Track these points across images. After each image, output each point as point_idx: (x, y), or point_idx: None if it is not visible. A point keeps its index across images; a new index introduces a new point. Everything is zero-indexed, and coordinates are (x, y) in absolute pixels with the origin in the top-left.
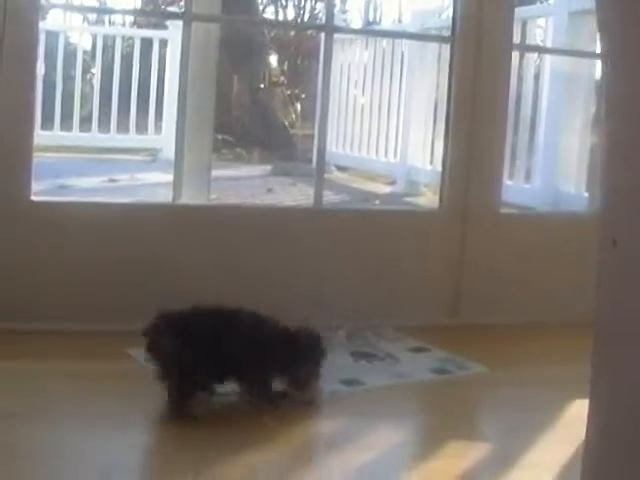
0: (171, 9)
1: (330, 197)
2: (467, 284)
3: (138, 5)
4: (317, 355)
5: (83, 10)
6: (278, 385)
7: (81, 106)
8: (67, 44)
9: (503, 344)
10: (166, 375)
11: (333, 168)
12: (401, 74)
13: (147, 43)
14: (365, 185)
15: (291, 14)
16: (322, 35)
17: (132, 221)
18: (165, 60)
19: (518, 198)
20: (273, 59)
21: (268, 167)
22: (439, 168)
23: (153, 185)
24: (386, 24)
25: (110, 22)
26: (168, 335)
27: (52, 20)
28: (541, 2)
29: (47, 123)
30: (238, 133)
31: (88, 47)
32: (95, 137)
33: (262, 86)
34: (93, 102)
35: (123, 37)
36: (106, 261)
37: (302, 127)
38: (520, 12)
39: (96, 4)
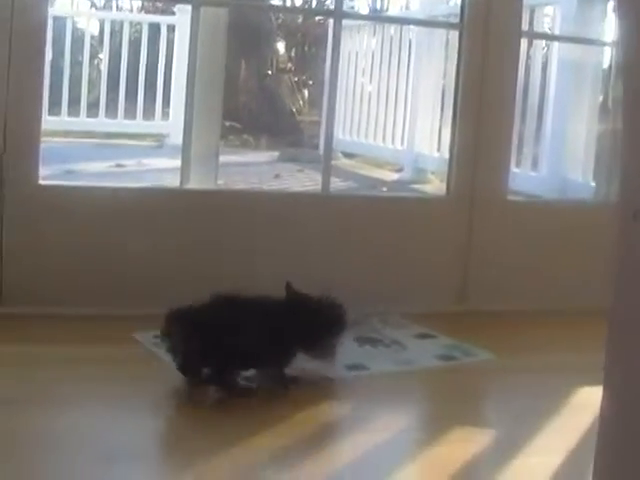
0: None
1: (337, 184)
2: (474, 271)
3: None
4: (337, 327)
5: None
6: (293, 367)
7: (88, 91)
8: (75, 29)
9: (510, 331)
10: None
11: (340, 155)
12: (409, 61)
13: (155, 29)
14: (372, 172)
15: (299, 0)
16: (330, 21)
17: (139, 206)
18: (173, 46)
19: (525, 186)
20: (281, 45)
21: (275, 153)
22: (446, 155)
23: (160, 171)
24: (393, 11)
25: (118, 7)
26: (181, 323)
27: (60, 6)
28: None
29: (55, 108)
30: (245, 119)
31: (96, 32)
32: (102, 122)
33: (269, 72)
34: (100, 87)
35: (131, 22)
36: (113, 245)
37: (309, 114)
38: None
39: None
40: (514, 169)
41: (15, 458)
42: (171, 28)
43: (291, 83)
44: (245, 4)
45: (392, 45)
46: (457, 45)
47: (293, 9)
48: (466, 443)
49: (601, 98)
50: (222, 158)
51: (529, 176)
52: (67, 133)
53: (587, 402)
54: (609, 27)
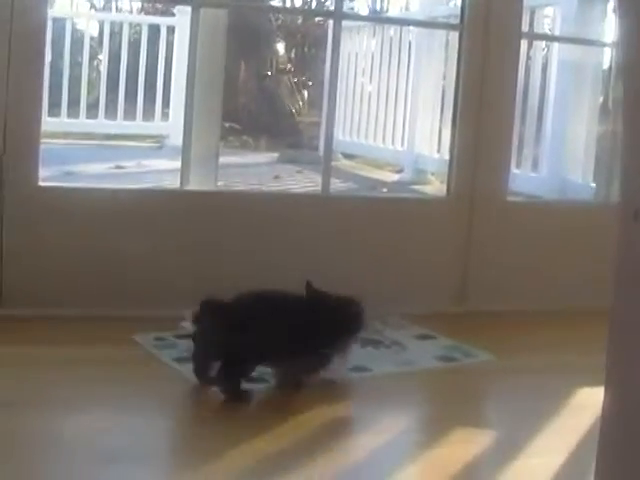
0: None
1: (337, 185)
2: (474, 272)
3: None
4: (355, 326)
5: None
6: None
7: (88, 93)
8: (74, 31)
9: (510, 332)
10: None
11: (340, 156)
12: (408, 62)
13: (154, 30)
14: (372, 173)
15: (299, 1)
16: (330, 22)
17: (139, 207)
18: (172, 47)
19: (525, 186)
20: (280, 46)
21: (275, 154)
22: (446, 156)
23: (160, 172)
24: (393, 12)
25: (117, 9)
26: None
27: (59, 7)
28: None
29: (54, 109)
30: (245, 120)
31: (95, 34)
32: (102, 124)
33: (269, 73)
34: (100, 89)
35: (130, 24)
36: (112, 247)
37: (309, 115)
38: (528, 0)
39: None
40: (514, 170)
41: (14, 459)
42: (171, 29)
43: (291, 84)
44: (245, 5)
45: (392, 46)
46: (457, 46)
47: (293, 10)
48: (467, 444)
49: (601, 99)
50: (222, 159)
51: (529, 177)
52: (67, 134)
53: (588, 403)
54: (609, 28)
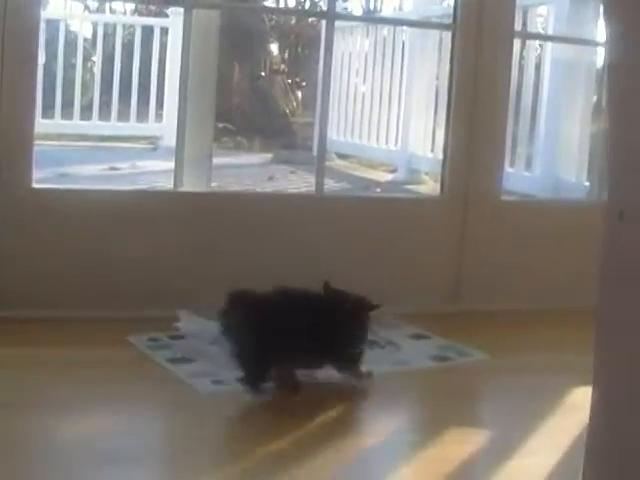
0: None
1: (331, 185)
2: (468, 271)
3: None
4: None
5: None
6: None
7: (82, 94)
8: (68, 32)
9: (504, 331)
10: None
11: (334, 156)
12: (402, 62)
13: (148, 31)
14: (366, 173)
15: (292, 2)
16: (323, 22)
17: (133, 208)
18: (166, 48)
19: (519, 186)
20: (274, 47)
21: (269, 155)
22: (440, 156)
23: (154, 173)
24: (387, 12)
25: (111, 10)
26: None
27: (53, 8)
28: None
29: (48, 111)
30: (239, 121)
31: (89, 35)
32: (96, 125)
33: (263, 74)
34: (94, 90)
35: (124, 25)
36: (107, 249)
37: (303, 115)
38: None
39: None
40: (508, 169)
41: (12, 460)
42: (164, 31)
43: (284, 84)
44: (238, 6)
45: (385, 46)
46: (450, 45)
47: (286, 10)
48: (461, 444)
49: (595, 98)
50: (216, 160)
51: (523, 176)
52: (61, 136)
53: (582, 402)
54: (602, 27)
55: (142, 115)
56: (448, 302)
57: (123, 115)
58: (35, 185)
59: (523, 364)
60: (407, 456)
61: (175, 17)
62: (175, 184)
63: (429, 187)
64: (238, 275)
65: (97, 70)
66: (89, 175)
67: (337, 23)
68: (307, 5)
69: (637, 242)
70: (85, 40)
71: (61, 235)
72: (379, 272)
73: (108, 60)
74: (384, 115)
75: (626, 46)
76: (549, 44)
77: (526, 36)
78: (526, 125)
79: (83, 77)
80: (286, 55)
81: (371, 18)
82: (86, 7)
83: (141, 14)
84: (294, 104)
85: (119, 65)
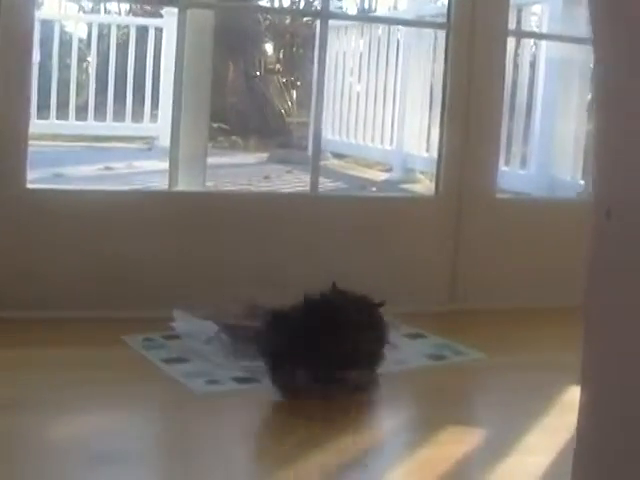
0: None
1: (327, 184)
2: (463, 270)
3: None
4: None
5: None
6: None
7: (77, 94)
8: (62, 33)
9: (499, 330)
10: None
11: (329, 155)
12: (397, 62)
13: (143, 31)
14: (362, 172)
15: (287, 1)
16: (318, 22)
17: (127, 208)
18: (161, 48)
19: (514, 184)
20: (269, 46)
21: (264, 155)
22: (435, 155)
23: (150, 173)
24: (381, 11)
25: (105, 10)
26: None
27: (47, 9)
28: None
29: (43, 112)
30: (234, 121)
31: (84, 36)
32: (91, 125)
33: (258, 74)
34: (89, 90)
35: (119, 25)
36: (101, 249)
37: (298, 115)
38: None
39: None
40: (503, 167)
41: (7, 461)
42: (159, 30)
43: (279, 84)
44: (232, 6)
45: (380, 46)
46: (444, 44)
47: (280, 10)
48: (457, 443)
49: (589, 96)
50: (212, 160)
51: (518, 174)
52: (56, 137)
53: (577, 400)
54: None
55: (137, 115)
56: (444, 301)
57: (118, 115)
58: (29, 185)
59: (519, 362)
60: (403, 455)
61: (169, 17)
62: (170, 184)
63: (424, 186)
64: (233, 275)
65: (92, 70)
66: (84, 175)
67: (332, 22)
68: (302, 5)
69: (624, 240)
70: (80, 40)
71: (55, 235)
72: (374, 271)
73: (103, 60)
74: (379, 114)
75: (612, 45)
76: (543, 43)
77: (520, 35)
78: (521, 123)
79: (78, 77)
80: (281, 55)
81: (365, 17)
82: (81, 7)
83: (136, 14)
84: (289, 104)
85: (114, 65)
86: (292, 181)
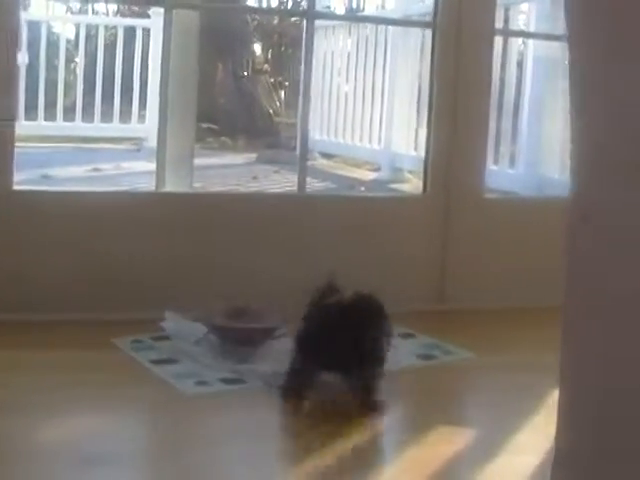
0: None
1: (315, 184)
2: (452, 270)
3: None
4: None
5: None
6: None
7: (65, 95)
8: (50, 34)
9: (489, 329)
10: None
11: (318, 155)
12: (384, 61)
13: (130, 32)
14: (350, 172)
15: (275, 1)
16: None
17: (115, 210)
18: (148, 49)
19: (503, 183)
20: (257, 47)
21: (253, 155)
22: (424, 154)
23: (138, 174)
24: (370, 11)
25: (93, 11)
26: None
27: (35, 10)
28: None
29: (31, 113)
30: (223, 121)
31: (71, 36)
32: (79, 126)
33: (246, 74)
34: (77, 91)
35: (106, 26)
36: (89, 251)
37: (286, 115)
38: None
39: None
40: (492, 167)
41: None
42: (146, 31)
43: (268, 84)
44: (217, 6)
45: (368, 45)
46: (431, 43)
47: (267, 10)
48: (447, 443)
49: None
50: (201, 160)
51: (507, 174)
52: (43, 138)
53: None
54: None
55: (125, 116)
56: (433, 300)
57: (106, 116)
58: (16, 187)
59: (508, 362)
60: (393, 454)
61: (157, 18)
62: (157, 185)
63: (413, 185)
64: (221, 275)
65: (80, 71)
66: (72, 177)
67: (320, 22)
68: (290, 5)
69: (600, 245)
70: (68, 41)
71: (43, 238)
72: (363, 271)
73: (91, 61)
74: (367, 114)
75: (589, 44)
76: (531, 42)
77: (508, 33)
78: (509, 122)
79: (66, 78)
80: (269, 55)
81: (352, 17)
82: (68, 8)
83: (123, 15)
84: (278, 104)
85: (102, 66)
86: (280, 181)
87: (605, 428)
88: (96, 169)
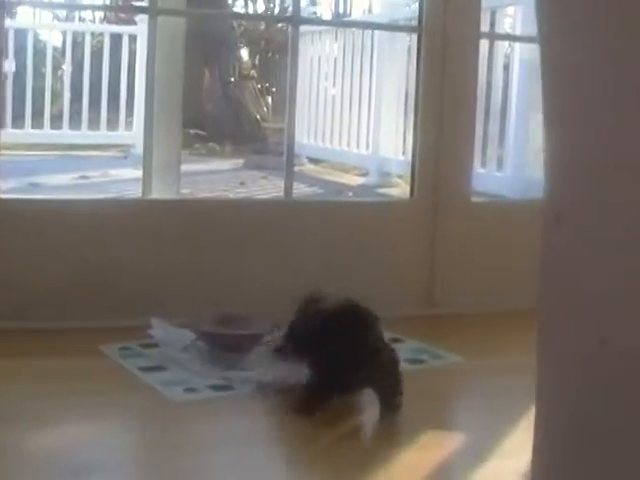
0: (137, 3)
1: (303, 189)
2: (440, 274)
3: (107, 0)
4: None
5: (52, 6)
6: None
7: (52, 103)
8: (37, 41)
9: (477, 333)
10: None
11: (305, 160)
12: (371, 66)
13: (117, 39)
14: (338, 177)
15: (261, 7)
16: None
17: (102, 217)
18: (135, 55)
19: (490, 186)
20: (244, 52)
21: (240, 161)
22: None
23: (126, 181)
24: (356, 15)
25: (80, 19)
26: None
27: (22, 17)
28: None
29: (18, 120)
30: (210, 127)
31: (58, 44)
32: (66, 134)
33: (233, 80)
34: (64, 99)
35: (93, 33)
36: (75, 258)
37: (274, 120)
38: (489, 0)
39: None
40: (480, 170)
41: None
42: (133, 38)
43: (255, 90)
44: (203, 13)
45: (354, 50)
46: (417, 47)
47: (253, 16)
48: (436, 447)
49: None
50: (188, 166)
51: (494, 177)
52: (31, 146)
53: None
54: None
55: (112, 123)
56: (421, 305)
57: (93, 123)
58: (3, 195)
59: (497, 366)
60: (383, 459)
61: (143, 24)
62: (144, 192)
63: (402, 190)
64: (209, 282)
65: (67, 79)
66: (60, 184)
67: (306, 28)
68: (277, 11)
69: (575, 245)
70: (54, 49)
71: (30, 246)
72: (350, 276)
73: (78, 68)
74: (354, 119)
75: (558, 42)
76: (517, 45)
77: (494, 37)
78: (496, 125)
79: (53, 86)
80: (256, 61)
81: (339, 22)
82: (55, 16)
83: (110, 22)
84: (265, 110)
85: (89, 73)
86: (268, 187)
87: (583, 427)
88: (83, 177)
